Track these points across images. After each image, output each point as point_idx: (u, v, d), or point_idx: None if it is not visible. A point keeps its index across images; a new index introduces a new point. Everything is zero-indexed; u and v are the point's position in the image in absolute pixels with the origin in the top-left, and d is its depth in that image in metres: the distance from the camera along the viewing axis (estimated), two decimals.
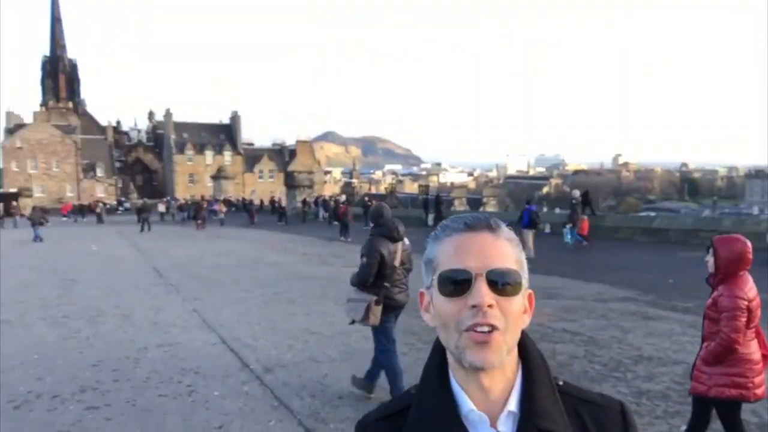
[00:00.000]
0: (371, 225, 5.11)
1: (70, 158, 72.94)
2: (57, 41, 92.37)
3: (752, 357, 3.20)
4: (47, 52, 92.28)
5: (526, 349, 0.91)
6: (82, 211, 46.05)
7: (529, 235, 14.33)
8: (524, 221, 14.52)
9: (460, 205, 44.28)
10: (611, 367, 5.51)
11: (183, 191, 71.58)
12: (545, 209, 37.10)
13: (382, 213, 4.93)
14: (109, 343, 6.84)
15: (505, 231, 0.90)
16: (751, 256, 3.20)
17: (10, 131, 72.29)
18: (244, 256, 16.40)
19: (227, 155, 79.13)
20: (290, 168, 69.87)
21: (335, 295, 8.87)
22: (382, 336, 4.76)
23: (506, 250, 0.87)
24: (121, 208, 54.42)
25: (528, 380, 0.88)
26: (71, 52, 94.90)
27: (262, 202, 48.46)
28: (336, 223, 25.65)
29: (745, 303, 3.14)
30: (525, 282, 0.88)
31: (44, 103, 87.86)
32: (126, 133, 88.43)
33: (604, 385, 4.92)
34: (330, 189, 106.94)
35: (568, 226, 16.56)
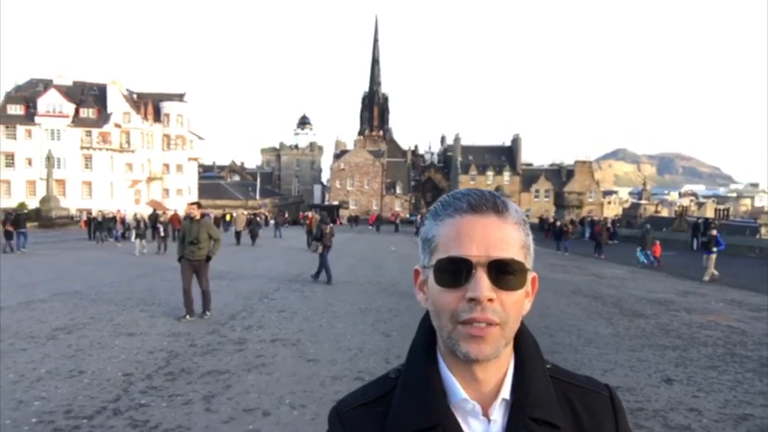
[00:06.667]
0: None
1: (377, 178, 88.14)
2: (375, 79, 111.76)
3: None
4: (366, 89, 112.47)
5: (519, 334, 0.84)
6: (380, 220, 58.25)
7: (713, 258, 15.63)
8: (721, 245, 15.77)
9: (767, 234, 38.54)
10: None
11: None
12: None
13: (324, 217, 15.38)
14: (390, 295, 11.64)
15: (513, 214, 0.82)
16: None
17: (337, 156, 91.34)
18: None
19: (506, 175, 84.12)
20: (566, 188, 70.94)
21: (557, 290, 12.02)
22: (321, 257, 13.44)
23: (512, 236, 0.80)
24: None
25: (521, 367, 0.84)
26: (384, 88, 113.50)
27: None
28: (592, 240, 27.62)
29: None
30: (529, 270, 0.82)
31: (361, 132, 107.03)
32: (422, 156, 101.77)
33: None
34: (613, 210, 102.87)
35: (638, 248, 20.25)
